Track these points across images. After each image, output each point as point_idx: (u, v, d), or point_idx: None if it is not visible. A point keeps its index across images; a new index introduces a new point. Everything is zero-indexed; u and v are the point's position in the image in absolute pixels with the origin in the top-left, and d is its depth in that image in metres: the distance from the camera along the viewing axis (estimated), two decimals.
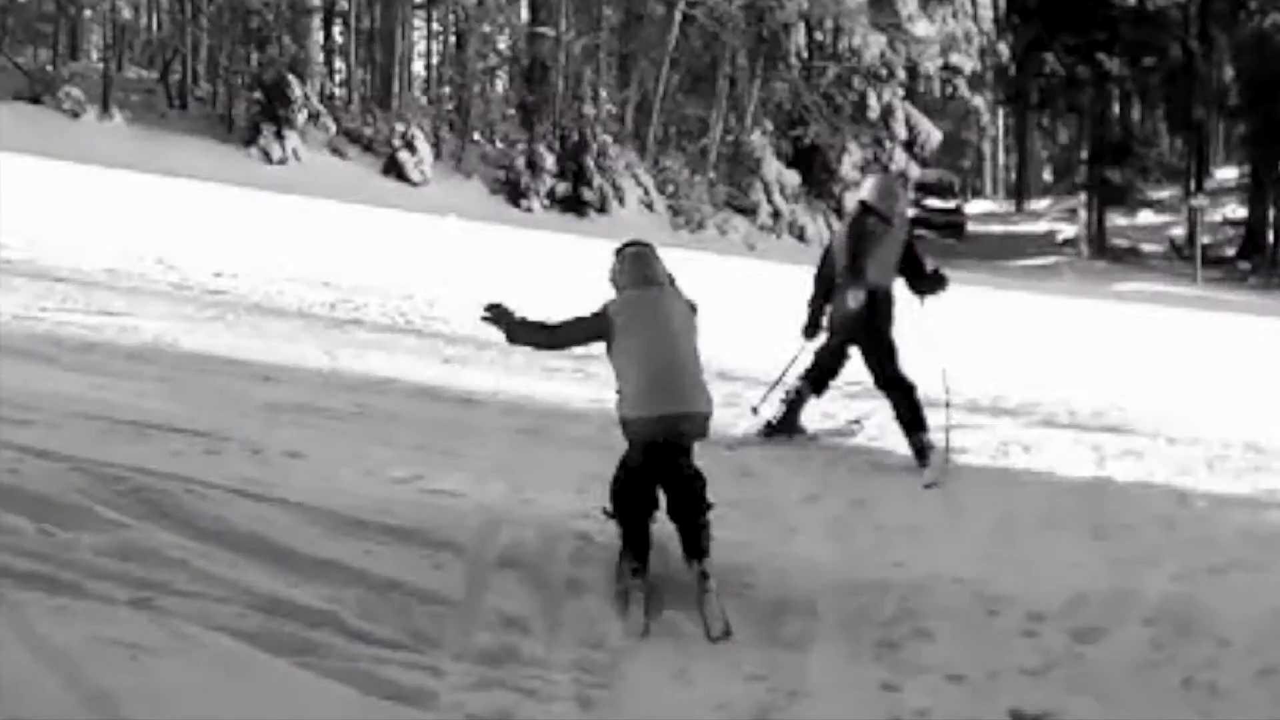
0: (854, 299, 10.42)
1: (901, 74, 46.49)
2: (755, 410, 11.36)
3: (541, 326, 7.83)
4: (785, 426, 11.17)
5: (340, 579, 6.70)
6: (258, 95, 38.22)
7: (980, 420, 12.52)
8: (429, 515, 7.79)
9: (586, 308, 7.75)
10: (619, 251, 7.99)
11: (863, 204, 10.76)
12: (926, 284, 10.85)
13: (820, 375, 11.11)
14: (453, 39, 46.88)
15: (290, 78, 37.98)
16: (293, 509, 7.52)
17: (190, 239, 19.33)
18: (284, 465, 8.47)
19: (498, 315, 7.80)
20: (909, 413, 10.60)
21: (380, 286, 16.87)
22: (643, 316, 7.60)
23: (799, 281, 11.45)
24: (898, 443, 10.88)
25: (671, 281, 7.85)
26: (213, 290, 15.58)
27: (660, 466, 7.50)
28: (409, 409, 10.68)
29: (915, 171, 47.70)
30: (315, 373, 11.73)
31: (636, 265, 7.85)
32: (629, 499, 7.51)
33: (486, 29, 44.04)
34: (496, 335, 7.97)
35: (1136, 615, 7.29)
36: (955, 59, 46.75)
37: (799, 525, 8.82)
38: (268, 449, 8.76)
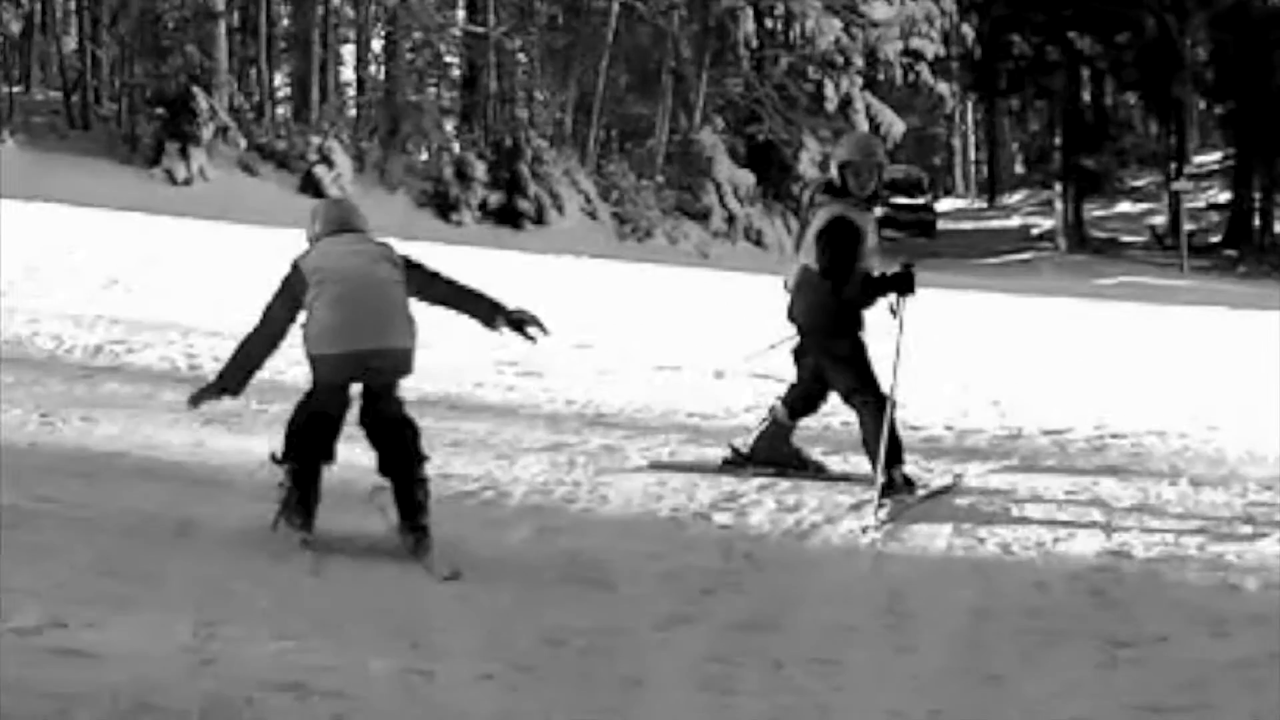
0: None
1: (859, 61, 43.74)
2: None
3: (239, 345, 7.04)
4: (756, 457, 9.07)
5: None
6: (161, 111, 35.12)
7: (941, 465, 9.44)
8: (28, 703, 4.63)
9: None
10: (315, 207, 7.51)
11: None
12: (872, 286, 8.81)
13: (797, 397, 9.10)
14: (379, 43, 43.98)
15: (196, 90, 34.92)
16: None
17: None
18: None
19: (202, 393, 7.08)
20: (876, 436, 8.43)
21: (181, 323, 13.23)
22: (339, 262, 6.93)
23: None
24: (836, 510, 8.13)
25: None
26: None
27: (363, 413, 7.00)
28: (114, 502, 7.33)
29: None
30: (3, 450, 8.23)
31: (334, 210, 7.49)
32: (305, 444, 6.92)
33: (417, 31, 41.28)
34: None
35: None
36: (916, 43, 43.88)
37: (647, 676, 5.60)
38: None
